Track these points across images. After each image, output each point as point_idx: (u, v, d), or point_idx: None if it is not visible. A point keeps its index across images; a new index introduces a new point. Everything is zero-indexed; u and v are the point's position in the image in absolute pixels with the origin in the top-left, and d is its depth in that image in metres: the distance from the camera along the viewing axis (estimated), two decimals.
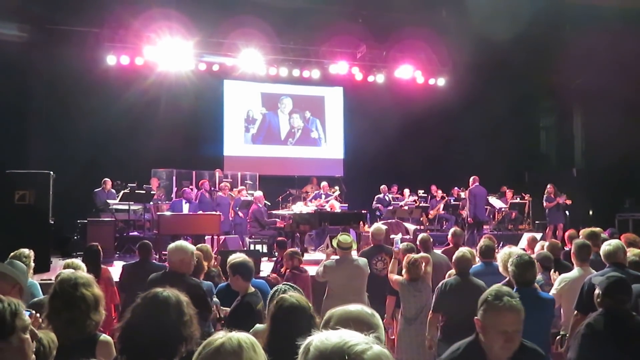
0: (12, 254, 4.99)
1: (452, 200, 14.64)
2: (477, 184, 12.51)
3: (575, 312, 4.44)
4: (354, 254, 6.41)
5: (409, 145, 15.43)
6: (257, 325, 3.34)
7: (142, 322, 2.30)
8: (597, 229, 6.31)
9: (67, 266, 4.81)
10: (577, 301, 4.48)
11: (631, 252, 5.09)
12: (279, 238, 8.68)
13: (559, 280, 5.11)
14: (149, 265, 6.17)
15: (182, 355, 2.28)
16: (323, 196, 12.82)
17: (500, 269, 4.99)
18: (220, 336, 1.82)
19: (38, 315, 3.03)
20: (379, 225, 7.49)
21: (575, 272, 5.08)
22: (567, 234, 7.60)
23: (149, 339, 2.25)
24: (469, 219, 12.55)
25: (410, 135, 15.35)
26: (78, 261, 5.11)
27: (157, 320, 2.30)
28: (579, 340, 3.42)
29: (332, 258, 6.08)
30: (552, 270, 5.49)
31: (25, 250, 4.98)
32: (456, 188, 14.92)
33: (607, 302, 3.48)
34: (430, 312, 5.02)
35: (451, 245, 7.06)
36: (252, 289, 4.29)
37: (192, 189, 12.44)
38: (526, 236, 8.09)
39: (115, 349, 2.83)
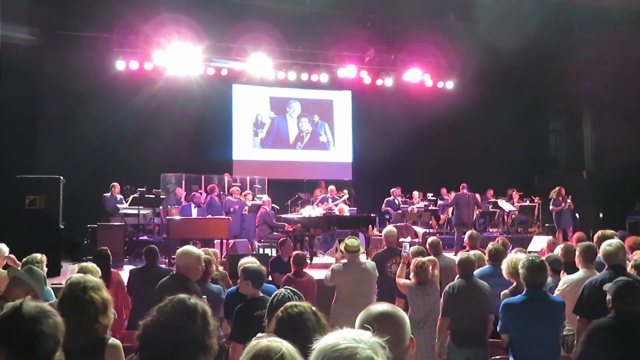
0: (24, 259, 5.00)
1: None
2: (465, 190, 12.69)
3: (578, 317, 4.39)
4: (363, 257, 6.39)
5: (418, 149, 15.39)
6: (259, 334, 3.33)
7: (168, 325, 2.29)
8: (610, 232, 6.23)
9: (81, 270, 4.82)
10: (576, 304, 4.42)
11: (637, 255, 5.05)
12: (281, 239, 8.60)
13: (562, 281, 5.09)
14: (155, 269, 6.22)
15: None
16: (331, 200, 12.79)
17: (504, 273, 4.94)
18: (269, 343, 1.81)
19: None
20: (392, 227, 7.43)
21: (579, 274, 5.02)
22: (575, 236, 7.54)
23: (171, 342, 2.24)
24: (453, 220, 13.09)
25: (418, 138, 15.30)
26: (93, 265, 5.10)
27: (184, 325, 2.30)
28: (586, 344, 3.39)
29: (340, 262, 6.06)
30: (562, 272, 5.45)
31: (38, 255, 4.96)
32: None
33: (617, 307, 3.47)
34: (440, 317, 4.99)
35: (468, 247, 7.00)
36: (259, 294, 4.33)
37: (201, 194, 12.46)
38: (539, 239, 8.03)
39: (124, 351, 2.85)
